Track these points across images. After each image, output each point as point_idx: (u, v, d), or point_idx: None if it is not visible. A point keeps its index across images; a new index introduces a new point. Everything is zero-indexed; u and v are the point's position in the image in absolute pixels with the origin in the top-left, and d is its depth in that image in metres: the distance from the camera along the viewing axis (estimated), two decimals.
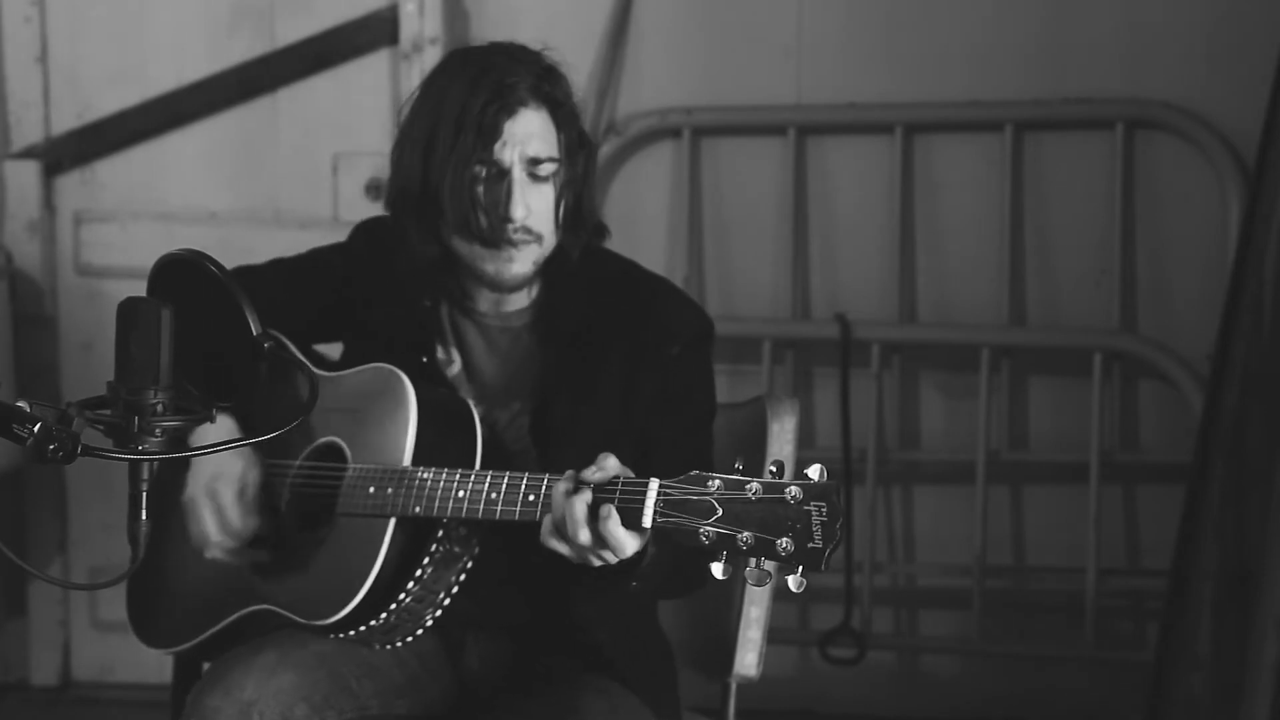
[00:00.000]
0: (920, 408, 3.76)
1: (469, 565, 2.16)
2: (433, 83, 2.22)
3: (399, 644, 2.20)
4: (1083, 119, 3.63)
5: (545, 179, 2.17)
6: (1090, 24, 3.61)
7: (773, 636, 2.50)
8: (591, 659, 2.23)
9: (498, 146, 2.14)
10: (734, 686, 2.37)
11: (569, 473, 1.96)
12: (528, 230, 2.17)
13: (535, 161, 2.16)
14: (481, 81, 2.15)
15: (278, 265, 2.42)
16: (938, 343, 3.72)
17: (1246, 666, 2.94)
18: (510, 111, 2.14)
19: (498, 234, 2.16)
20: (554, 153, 2.17)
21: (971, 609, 3.64)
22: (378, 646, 2.21)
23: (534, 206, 2.17)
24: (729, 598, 2.37)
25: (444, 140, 2.15)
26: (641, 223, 3.75)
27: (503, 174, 2.16)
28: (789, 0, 3.69)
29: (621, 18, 3.71)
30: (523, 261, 2.19)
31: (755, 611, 2.36)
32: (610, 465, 1.94)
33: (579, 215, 2.22)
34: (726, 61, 3.73)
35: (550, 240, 2.20)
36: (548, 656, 2.26)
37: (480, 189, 2.16)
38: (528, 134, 2.15)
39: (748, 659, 2.36)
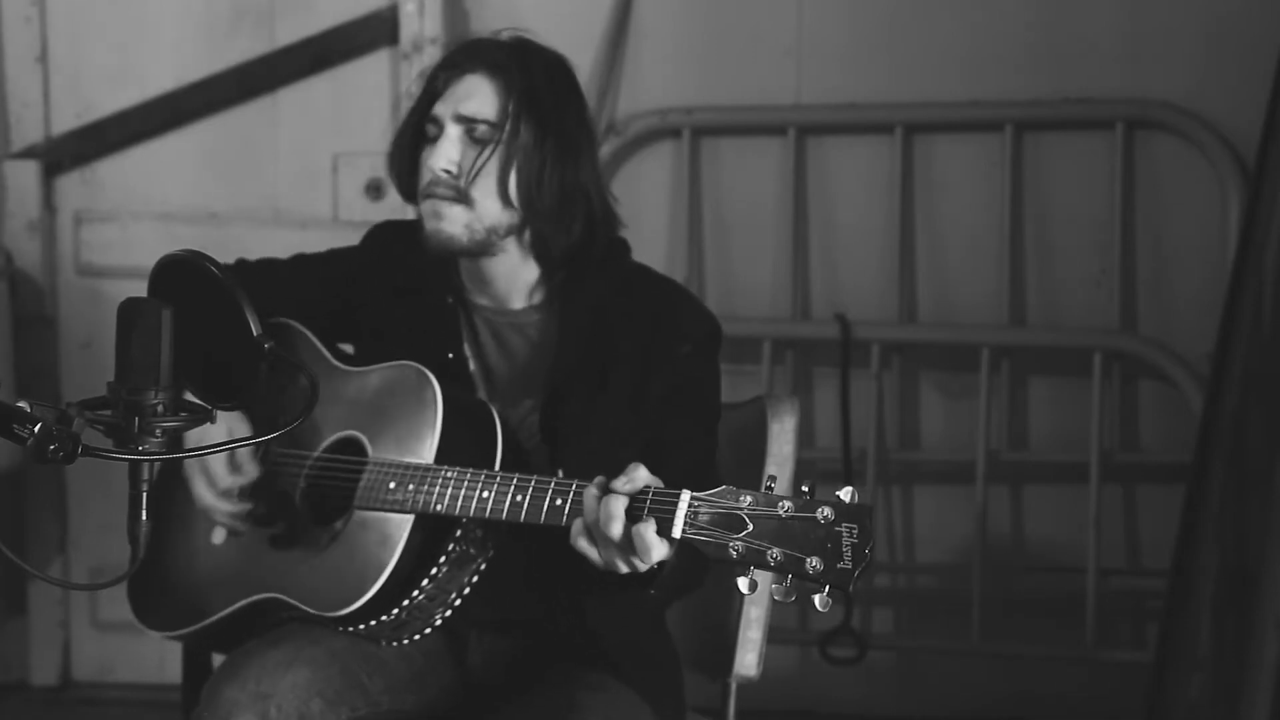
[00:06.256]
0: (920, 408, 3.76)
1: (482, 568, 2.16)
2: None
3: (405, 641, 2.20)
4: (1083, 119, 3.63)
5: (484, 143, 2.18)
6: (1090, 24, 3.62)
7: (773, 636, 2.50)
8: (596, 660, 2.23)
9: (438, 104, 2.21)
10: (734, 686, 2.37)
11: (599, 479, 1.95)
12: (450, 186, 2.19)
13: (468, 120, 2.19)
14: (451, 52, 2.26)
15: (300, 260, 2.45)
16: (938, 343, 3.72)
17: (1246, 666, 2.94)
18: (458, 74, 2.21)
19: (423, 184, 2.21)
20: (489, 116, 2.18)
21: (971, 609, 3.65)
22: (384, 643, 2.21)
23: (463, 165, 2.19)
24: (729, 598, 2.36)
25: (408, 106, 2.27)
26: (641, 223, 3.73)
27: (441, 130, 2.20)
28: (789, 0, 3.69)
29: (621, 18, 3.71)
30: (450, 220, 2.19)
31: (755, 612, 2.36)
32: (640, 476, 1.93)
33: (535, 194, 2.19)
34: (726, 61, 3.73)
35: (488, 210, 2.19)
36: (551, 656, 2.26)
37: (425, 149, 2.22)
38: (466, 93, 2.20)
39: (748, 659, 2.36)
